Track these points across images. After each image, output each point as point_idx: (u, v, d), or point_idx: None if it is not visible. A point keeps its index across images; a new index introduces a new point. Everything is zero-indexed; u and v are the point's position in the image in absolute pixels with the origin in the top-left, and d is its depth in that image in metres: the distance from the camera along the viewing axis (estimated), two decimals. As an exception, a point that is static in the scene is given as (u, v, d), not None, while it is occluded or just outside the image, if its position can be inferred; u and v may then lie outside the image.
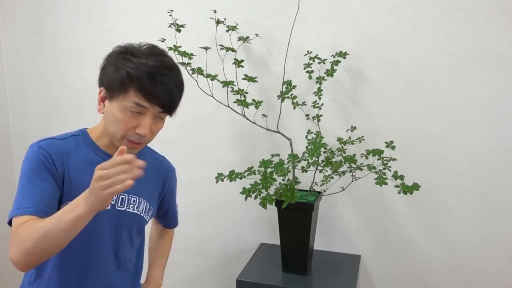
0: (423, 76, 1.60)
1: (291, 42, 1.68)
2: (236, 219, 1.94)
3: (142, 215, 1.14)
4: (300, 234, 1.56)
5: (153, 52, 1.00)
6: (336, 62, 1.59)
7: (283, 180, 1.62)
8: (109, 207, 1.04)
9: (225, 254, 1.99)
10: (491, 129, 1.56)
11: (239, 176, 1.59)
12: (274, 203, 1.50)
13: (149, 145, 1.16)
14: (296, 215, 1.54)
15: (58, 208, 0.98)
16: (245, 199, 1.51)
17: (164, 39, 1.61)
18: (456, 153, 1.61)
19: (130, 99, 0.96)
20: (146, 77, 0.95)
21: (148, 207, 1.16)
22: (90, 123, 2.30)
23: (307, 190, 1.65)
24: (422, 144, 1.65)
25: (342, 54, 1.59)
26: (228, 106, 1.67)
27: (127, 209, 1.09)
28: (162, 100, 0.98)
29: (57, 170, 0.99)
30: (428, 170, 1.65)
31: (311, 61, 1.63)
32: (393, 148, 1.52)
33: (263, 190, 1.51)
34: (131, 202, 1.10)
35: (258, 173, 1.57)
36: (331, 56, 1.64)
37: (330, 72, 1.58)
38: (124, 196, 1.09)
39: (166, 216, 1.36)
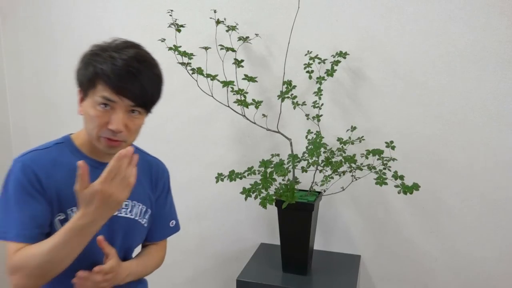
0: (423, 76, 1.60)
1: (291, 42, 1.68)
2: (236, 219, 1.94)
3: (137, 218, 1.10)
4: (300, 234, 1.56)
5: (125, 45, 0.97)
6: (336, 62, 1.59)
7: (283, 180, 1.62)
8: None
9: (225, 254, 1.99)
10: (491, 129, 1.56)
11: (239, 176, 1.59)
12: (274, 203, 1.50)
13: (145, 145, 1.15)
14: (296, 215, 1.54)
15: (51, 222, 0.97)
16: (245, 199, 1.51)
17: (164, 39, 1.61)
18: (456, 153, 1.61)
19: (98, 93, 0.93)
20: (114, 70, 0.92)
21: (144, 209, 1.12)
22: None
23: (307, 190, 1.65)
24: (422, 144, 1.65)
25: (342, 54, 1.59)
26: (228, 106, 1.67)
27: (118, 214, 1.05)
28: (132, 93, 0.94)
29: (43, 186, 0.96)
30: (428, 170, 1.65)
31: (311, 61, 1.63)
32: (393, 148, 1.52)
33: (263, 190, 1.51)
34: (123, 206, 1.06)
35: (258, 173, 1.57)
36: (331, 56, 1.64)
37: (330, 72, 1.58)
38: None
39: (154, 223, 1.19)
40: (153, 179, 1.16)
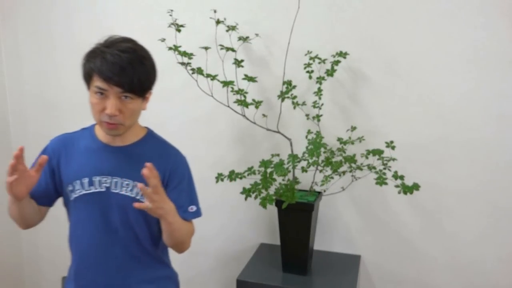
0: (423, 76, 1.60)
1: (291, 42, 1.68)
2: (236, 219, 1.94)
3: (138, 197, 1.20)
4: (300, 234, 1.57)
5: (116, 40, 1.14)
6: (336, 62, 1.59)
7: (283, 180, 1.62)
8: (104, 190, 1.19)
9: (225, 254, 1.99)
10: (491, 129, 1.56)
11: (239, 176, 1.59)
12: (274, 203, 1.50)
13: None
14: (296, 215, 1.54)
15: (63, 190, 1.23)
16: (245, 199, 1.51)
17: (164, 39, 1.61)
18: (456, 153, 1.61)
19: (94, 85, 1.11)
20: (102, 63, 1.08)
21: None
22: (90, 123, 2.29)
23: (307, 190, 1.65)
24: (422, 144, 1.65)
25: (342, 54, 1.59)
26: (228, 106, 1.67)
27: (119, 192, 1.19)
28: (117, 80, 1.08)
29: (51, 161, 1.22)
30: (428, 170, 1.65)
31: (311, 61, 1.63)
32: (393, 148, 1.52)
33: (263, 190, 1.51)
34: (124, 185, 1.20)
35: (258, 173, 1.58)
36: (331, 56, 1.64)
37: (330, 72, 1.58)
38: (117, 180, 1.19)
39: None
40: (167, 167, 1.24)
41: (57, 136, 1.28)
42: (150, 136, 1.28)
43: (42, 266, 2.40)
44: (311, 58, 1.63)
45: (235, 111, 1.67)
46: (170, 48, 1.56)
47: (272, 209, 1.65)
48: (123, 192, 1.20)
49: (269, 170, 1.50)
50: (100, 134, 1.24)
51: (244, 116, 1.65)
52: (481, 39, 1.52)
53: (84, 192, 1.19)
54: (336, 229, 1.81)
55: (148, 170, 1.04)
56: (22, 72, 2.22)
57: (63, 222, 1.29)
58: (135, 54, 1.11)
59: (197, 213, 1.30)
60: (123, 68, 1.08)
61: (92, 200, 1.19)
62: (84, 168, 1.20)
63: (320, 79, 1.61)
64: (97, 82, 1.10)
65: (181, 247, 1.29)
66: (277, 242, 1.75)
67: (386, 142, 1.53)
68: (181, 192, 1.27)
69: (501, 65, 1.52)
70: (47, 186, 1.23)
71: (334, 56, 1.62)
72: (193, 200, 1.30)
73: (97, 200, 1.19)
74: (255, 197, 1.52)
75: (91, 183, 1.19)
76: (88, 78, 1.13)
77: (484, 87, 1.55)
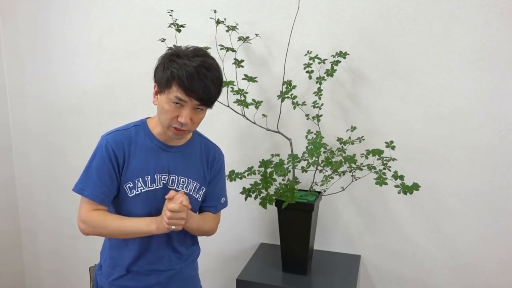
0: (423, 76, 1.60)
1: (291, 42, 1.68)
2: (236, 219, 1.94)
3: (191, 193, 1.31)
4: (300, 234, 1.57)
5: (196, 53, 1.18)
6: (336, 62, 1.59)
7: (283, 180, 1.62)
8: (161, 186, 1.26)
9: (225, 254, 1.99)
10: (491, 129, 1.56)
11: (239, 176, 1.59)
12: (274, 203, 1.50)
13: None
14: (296, 215, 1.54)
15: (118, 187, 1.24)
16: (245, 199, 1.52)
17: (164, 39, 1.61)
18: (456, 153, 1.61)
19: (173, 94, 1.16)
20: (186, 76, 1.13)
21: (198, 186, 1.32)
22: (90, 122, 2.29)
23: (307, 190, 1.65)
24: (422, 144, 1.65)
25: (342, 54, 1.59)
26: (228, 106, 1.67)
27: (176, 188, 1.28)
28: (198, 95, 1.15)
29: (118, 161, 1.23)
30: (428, 170, 1.65)
31: (311, 61, 1.63)
32: (393, 148, 1.52)
33: (263, 190, 1.51)
34: (180, 182, 1.29)
35: (258, 173, 1.58)
36: (331, 56, 1.64)
37: (330, 72, 1.58)
38: (174, 177, 1.28)
39: (208, 199, 1.40)
40: (209, 161, 1.37)
41: (111, 132, 1.26)
42: (197, 134, 1.38)
43: (42, 275, 2.40)
44: (311, 58, 1.63)
45: (235, 111, 1.67)
46: (170, 48, 1.56)
47: (272, 209, 1.65)
48: (179, 189, 1.28)
49: (269, 170, 1.51)
50: (156, 132, 1.28)
51: (244, 116, 1.65)
52: (481, 39, 1.52)
53: (147, 189, 1.24)
54: (336, 229, 1.81)
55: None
56: (22, 72, 2.22)
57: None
58: (216, 73, 1.18)
59: (225, 204, 1.44)
60: (207, 87, 1.15)
61: (152, 196, 1.25)
62: (147, 166, 1.25)
63: (320, 79, 1.61)
64: (178, 93, 1.15)
65: (206, 235, 1.40)
66: (277, 242, 1.75)
67: (386, 142, 1.53)
68: (218, 185, 1.40)
69: (501, 65, 1.52)
70: (114, 184, 1.25)
71: (334, 56, 1.62)
72: (225, 192, 1.44)
73: (156, 197, 1.25)
74: (255, 197, 1.52)
75: (153, 181, 1.25)
76: (166, 84, 1.17)
77: (484, 87, 1.55)
